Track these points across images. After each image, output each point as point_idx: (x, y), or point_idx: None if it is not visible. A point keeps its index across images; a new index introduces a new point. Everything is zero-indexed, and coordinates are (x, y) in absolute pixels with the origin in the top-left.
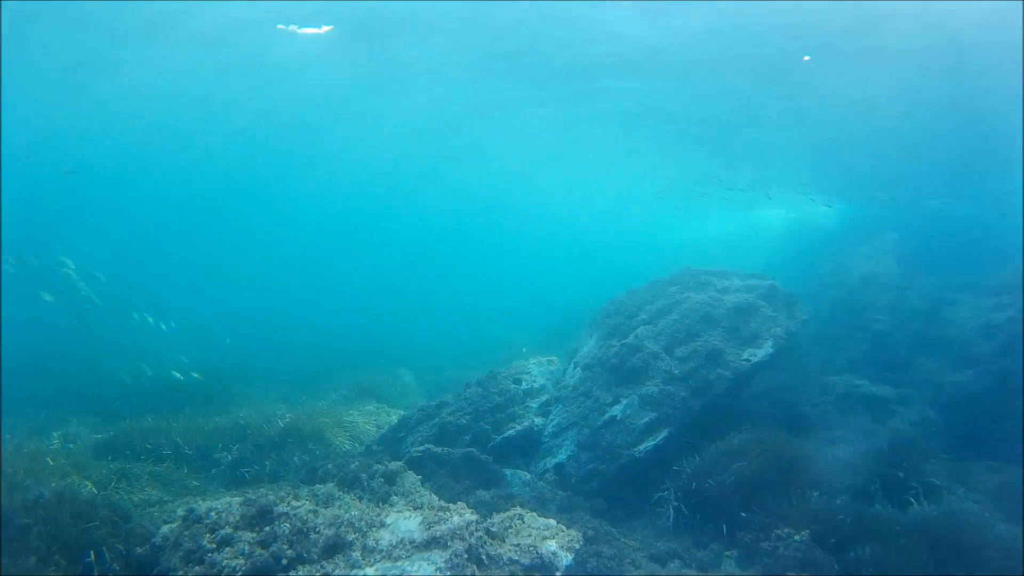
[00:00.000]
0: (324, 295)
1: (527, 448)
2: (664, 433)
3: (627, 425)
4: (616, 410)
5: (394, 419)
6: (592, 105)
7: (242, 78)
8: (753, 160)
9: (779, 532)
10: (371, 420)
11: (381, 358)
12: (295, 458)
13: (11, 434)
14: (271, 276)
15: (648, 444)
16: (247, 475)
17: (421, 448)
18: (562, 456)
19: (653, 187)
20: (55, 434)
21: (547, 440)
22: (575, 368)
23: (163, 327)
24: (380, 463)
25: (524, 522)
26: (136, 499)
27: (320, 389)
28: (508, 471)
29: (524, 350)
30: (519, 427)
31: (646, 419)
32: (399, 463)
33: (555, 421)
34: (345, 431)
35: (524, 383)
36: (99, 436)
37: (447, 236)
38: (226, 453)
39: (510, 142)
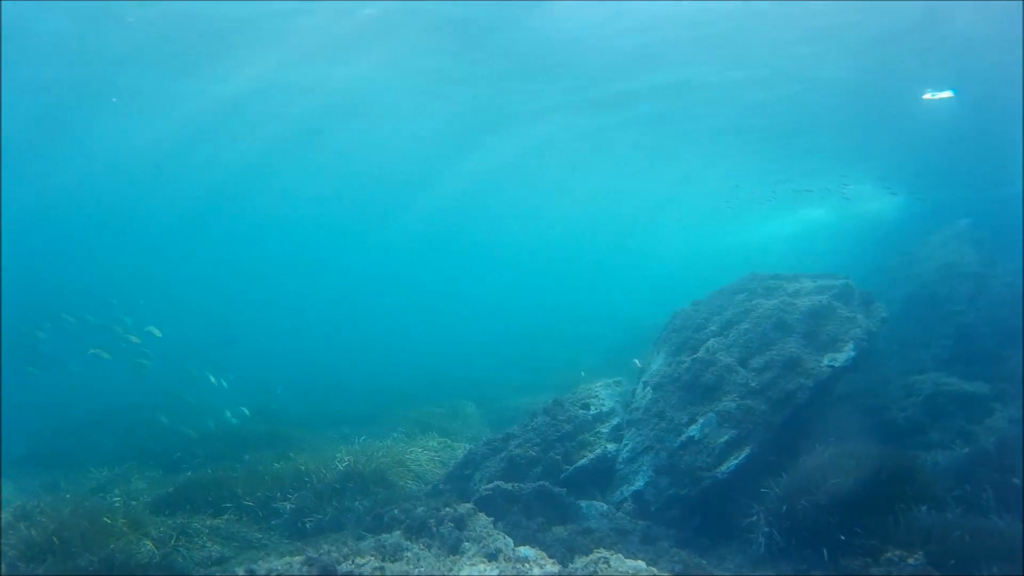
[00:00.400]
0: (376, 328)
1: (601, 477)
2: (746, 451)
3: (706, 445)
4: (693, 430)
5: (459, 454)
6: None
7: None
8: (822, 158)
9: (889, 555)
10: (435, 456)
11: (440, 389)
12: (358, 504)
13: (72, 493)
14: (322, 313)
15: (730, 464)
16: (308, 525)
17: (490, 486)
18: (639, 483)
19: (697, 195)
20: (117, 491)
21: (622, 467)
22: (645, 388)
23: (224, 383)
24: (449, 505)
25: (610, 566)
26: (197, 556)
27: (380, 426)
28: (583, 503)
29: (583, 373)
30: (591, 455)
31: (726, 437)
32: (468, 505)
33: (629, 446)
34: (409, 470)
35: (592, 408)
36: (160, 491)
37: (497, 258)
38: (286, 502)
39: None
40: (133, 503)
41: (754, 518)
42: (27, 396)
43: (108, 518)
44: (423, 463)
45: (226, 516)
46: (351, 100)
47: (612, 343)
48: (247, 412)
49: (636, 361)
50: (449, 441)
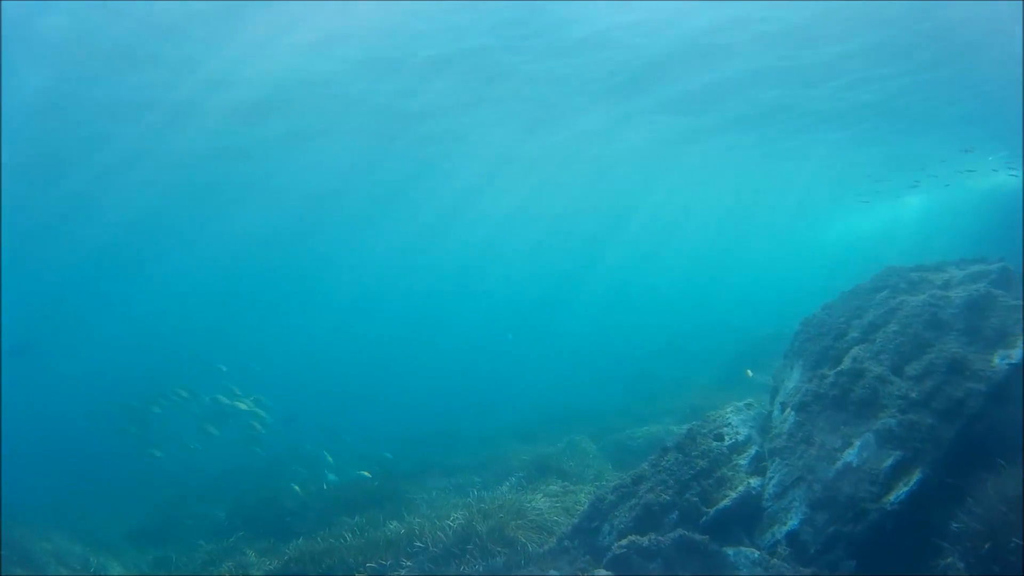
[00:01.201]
0: (481, 363)
1: (746, 517)
2: (917, 475)
3: (867, 472)
4: (849, 455)
5: (582, 498)
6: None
7: None
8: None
9: None
10: (558, 504)
11: (551, 423)
12: (478, 566)
13: (182, 569)
14: (423, 355)
15: (900, 493)
16: None
17: (624, 543)
18: (793, 522)
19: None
20: (227, 564)
21: (769, 504)
22: (784, 410)
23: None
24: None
25: None
26: None
27: (494, 472)
28: (730, 550)
29: (693, 398)
30: (734, 494)
31: (890, 461)
32: (602, 571)
33: (775, 479)
34: (530, 522)
35: (727, 438)
36: (270, 564)
37: (591, 275)
38: (400, 571)
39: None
40: None
41: (948, 559)
42: (142, 470)
43: None
44: (544, 512)
45: None
46: None
47: (723, 358)
48: (367, 474)
49: (748, 372)
50: (571, 485)
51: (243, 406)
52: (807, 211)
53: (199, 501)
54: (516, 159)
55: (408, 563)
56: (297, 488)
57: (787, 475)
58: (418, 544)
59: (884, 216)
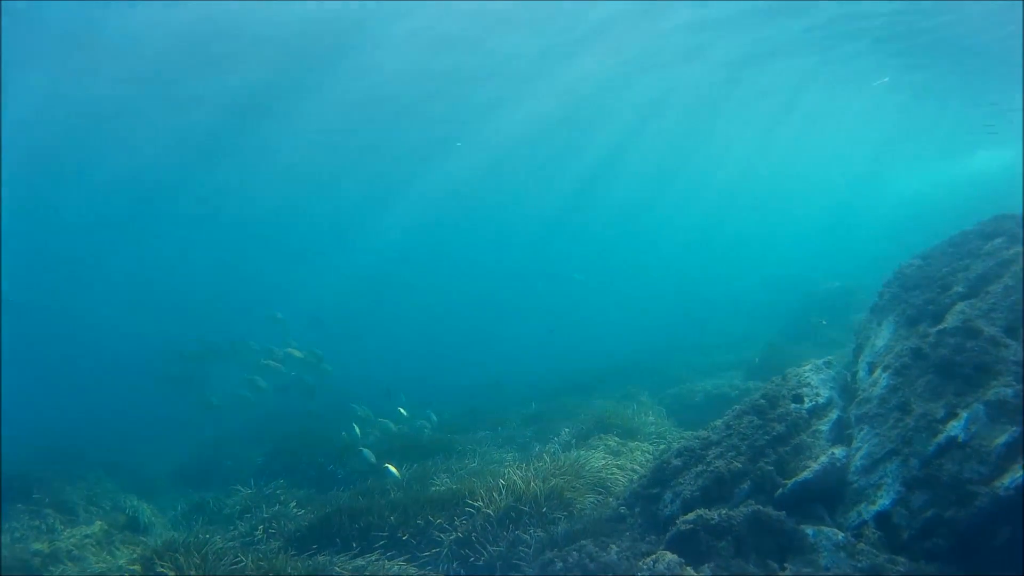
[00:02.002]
0: (535, 313)
1: (829, 493)
2: None
3: (976, 449)
4: (955, 428)
5: (639, 456)
6: None
7: None
8: None
9: None
10: (614, 462)
11: (607, 375)
12: (530, 534)
13: (215, 515)
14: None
15: (1016, 476)
16: (476, 562)
17: (690, 518)
18: (885, 501)
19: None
20: (262, 513)
21: (856, 479)
22: (872, 371)
23: (402, 411)
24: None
25: None
26: None
27: (546, 426)
28: (810, 530)
29: (757, 353)
30: (816, 465)
31: (1004, 438)
32: (667, 554)
33: (863, 450)
34: (586, 484)
35: (807, 400)
36: (307, 516)
37: (650, 227)
38: (449, 532)
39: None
40: (273, 532)
41: None
42: (191, 414)
43: (243, 554)
44: (603, 473)
45: (375, 554)
46: None
47: (787, 311)
48: (434, 419)
49: (823, 321)
50: (629, 441)
51: (297, 354)
52: (878, 162)
53: (241, 444)
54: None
55: (460, 524)
56: (345, 435)
57: (878, 446)
58: (469, 505)
59: (951, 172)
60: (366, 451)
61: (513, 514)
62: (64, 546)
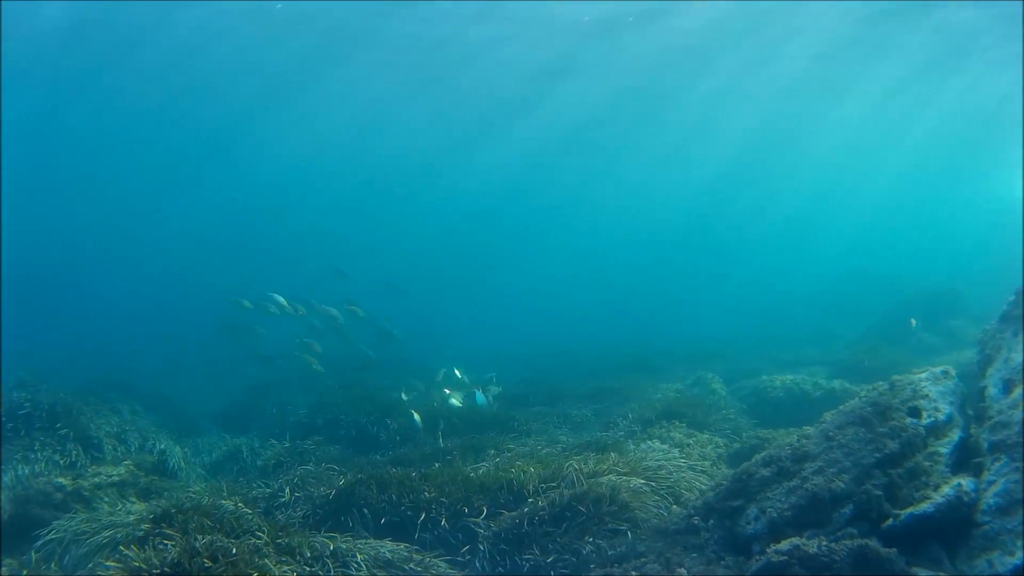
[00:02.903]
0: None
1: (949, 531)
2: None
3: None
4: None
5: (710, 451)
6: None
7: None
8: None
9: None
10: (683, 459)
11: (676, 358)
12: (587, 546)
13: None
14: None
15: None
16: (524, 564)
17: (784, 548)
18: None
19: None
20: (292, 473)
21: (988, 520)
22: (1011, 390)
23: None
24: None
25: None
26: None
27: (608, 406)
28: (924, 573)
29: (844, 352)
30: (939, 497)
31: None
32: None
33: (999, 485)
34: (650, 485)
35: (926, 415)
36: (335, 482)
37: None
38: (489, 524)
39: None
40: (299, 496)
41: None
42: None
43: (260, 525)
44: (668, 469)
45: (402, 544)
46: None
47: (877, 309)
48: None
49: (913, 322)
50: (696, 433)
51: (360, 313)
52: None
53: (289, 391)
54: None
55: (508, 515)
56: (396, 396)
57: (1018, 483)
58: (518, 493)
59: None
60: (415, 415)
61: (568, 513)
62: (86, 484)
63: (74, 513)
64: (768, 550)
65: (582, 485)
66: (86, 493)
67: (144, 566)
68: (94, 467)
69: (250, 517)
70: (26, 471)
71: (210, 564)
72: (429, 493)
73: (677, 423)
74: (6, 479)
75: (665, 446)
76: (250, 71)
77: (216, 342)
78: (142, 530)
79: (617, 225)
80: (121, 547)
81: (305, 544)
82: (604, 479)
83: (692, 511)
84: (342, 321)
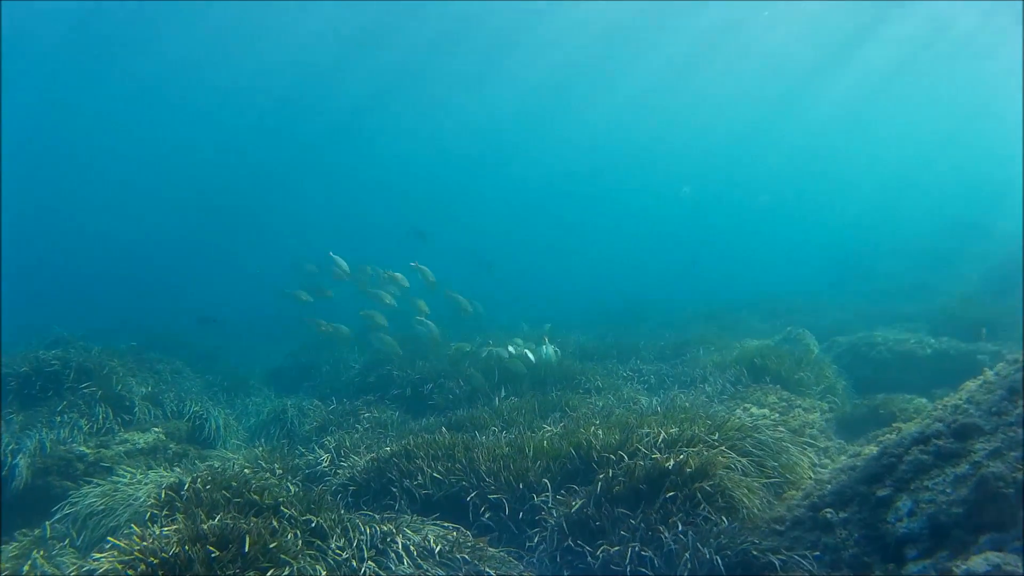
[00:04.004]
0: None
1: None
2: None
3: None
4: None
5: (815, 419)
6: None
7: None
8: None
9: None
10: (788, 435)
11: (758, 313)
12: (674, 541)
13: (293, 432)
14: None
15: None
16: (588, 565)
17: (979, 568)
18: None
19: None
20: (335, 429)
21: None
22: None
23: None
24: None
25: None
26: None
27: (686, 363)
28: None
29: (950, 306)
30: None
31: None
32: None
33: None
34: (753, 463)
35: None
36: (381, 449)
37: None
38: (559, 507)
39: None
40: (343, 464)
41: None
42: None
43: (283, 509)
44: (770, 445)
45: (450, 528)
46: None
47: (975, 259)
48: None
49: None
50: (796, 398)
51: (431, 277)
52: None
53: (348, 346)
54: None
55: (582, 492)
56: (466, 347)
57: None
58: (589, 465)
59: None
60: (474, 372)
61: (648, 489)
62: (109, 454)
63: (93, 486)
64: (957, 571)
65: (666, 458)
66: (107, 463)
67: (140, 556)
68: (122, 432)
69: (276, 490)
70: (49, 437)
71: (217, 553)
72: (485, 463)
73: (771, 384)
74: (29, 444)
75: (763, 411)
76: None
77: (280, 307)
78: (148, 508)
79: (703, 188)
80: (133, 525)
81: (337, 524)
82: (692, 450)
83: (817, 499)
84: (406, 285)
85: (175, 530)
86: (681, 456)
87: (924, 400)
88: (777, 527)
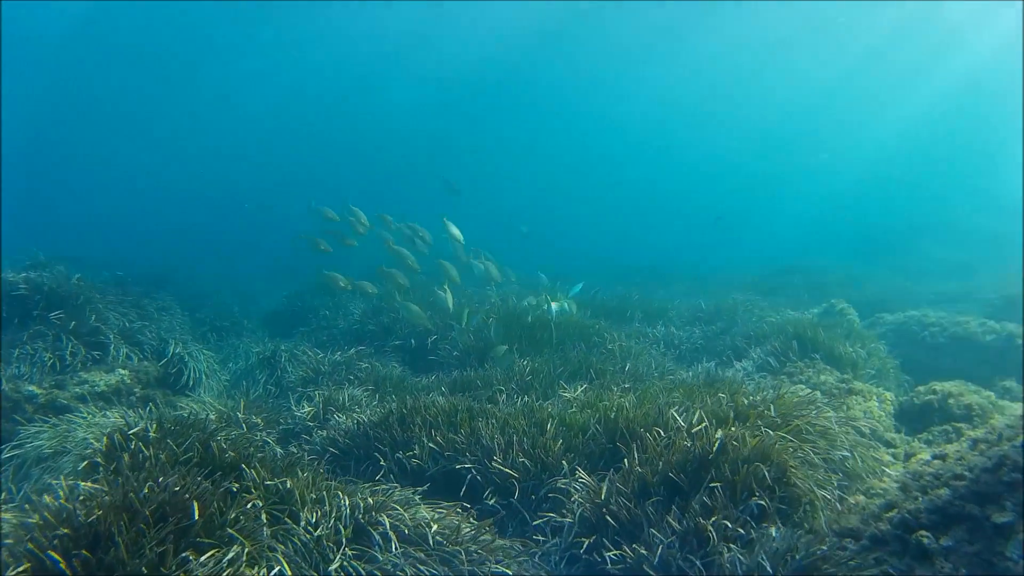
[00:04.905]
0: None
1: None
2: None
3: None
4: None
5: (873, 406)
6: None
7: None
8: None
9: None
10: (845, 419)
11: (794, 282)
12: (721, 556)
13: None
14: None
15: None
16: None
17: None
18: None
19: None
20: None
21: None
22: None
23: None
24: None
25: None
26: None
27: (719, 332)
28: None
29: (1006, 287)
30: None
31: None
32: None
33: None
34: (818, 454)
35: None
36: (371, 409)
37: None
38: (581, 492)
39: None
40: (329, 424)
41: None
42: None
43: (244, 478)
44: (830, 429)
45: (448, 510)
46: None
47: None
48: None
49: None
50: (851, 377)
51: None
52: None
53: (349, 293)
54: None
55: (602, 485)
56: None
57: None
58: (627, 445)
59: None
60: (489, 320)
61: (694, 480)
62: (64, 396)
63: (41, 429)
64: None
65: (711, 435)
66: (63, 402)
67: (55, 522)
68: (83, 373)
69: (244, 446)
70: (6, 372)
71: (146, 528)
72: (492, 435)
73: (816, 360)
74: None
75: (816, 393)
76: None
77: (284, 244)
78: (88, 459)
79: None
80: (62, 478)
81: (310, 490)
82: (736, 431)
83: (909, 514)
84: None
85: (103, 491)
86: (732, 430)
87: (991, 393)
88: (849, 543)
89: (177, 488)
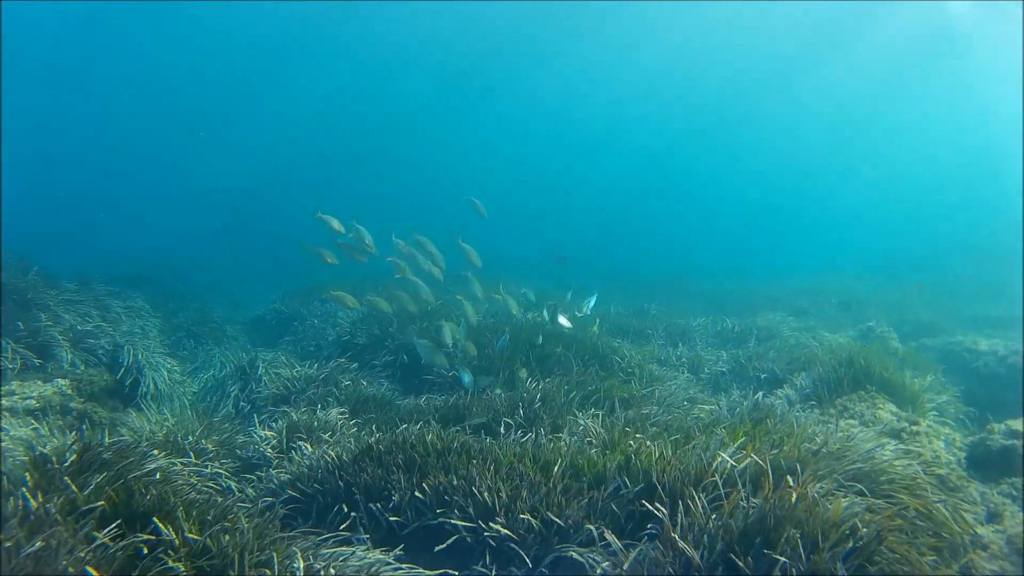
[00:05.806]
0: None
1: None
2: None
3: None
4: None
5: (939, 446)
6: None
7: None
8: None
9: None
10: (905, 457)
11: (825, 302)
12: None
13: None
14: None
15: None
16: None
17: None
18: None
19: None
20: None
21: None
22: None
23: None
24: None
25: None
26: None
27: (751, 355)
28: None
29: None
30: None
31: None
32: None
33: None
34: (900, 514)
35: None
36: (343, 444)
37: None
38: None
39: None
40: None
41: None
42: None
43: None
44: (894, 468)
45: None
46: None
47: None
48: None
49: None
50: (908, 414)
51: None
52: None
53: (336, 302)
54: None
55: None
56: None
57: None
58: (640, 507)
59: None
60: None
61: (743, 549)
62: None
63: None
64: None
65: (768, 497)
66: None
67: None
68: (17, 382)
69: (168, 492)
70: None
71: None
72: (485, 483)
73: (876, 393)
74: None
75: (870, 432)
76: None
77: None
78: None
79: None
80: None
81: (253, 553)
82: (804, 490)
83: None
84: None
85: None
86: (802, 501)
87: None
88: None
89: (55, 544)
